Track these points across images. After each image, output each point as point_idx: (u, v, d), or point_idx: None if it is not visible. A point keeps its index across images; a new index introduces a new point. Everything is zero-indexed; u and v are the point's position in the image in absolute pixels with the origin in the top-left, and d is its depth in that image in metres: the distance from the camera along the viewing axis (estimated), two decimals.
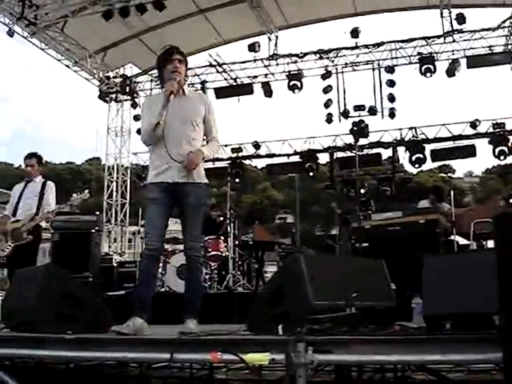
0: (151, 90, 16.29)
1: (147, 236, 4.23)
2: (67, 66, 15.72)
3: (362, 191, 12.61)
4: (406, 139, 14.62)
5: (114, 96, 17.22)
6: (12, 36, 13.23)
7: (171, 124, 4.21)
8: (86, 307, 4.19)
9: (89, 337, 3.49)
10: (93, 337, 3.54)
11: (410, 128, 14.65)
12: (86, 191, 6.76)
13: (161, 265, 9.34)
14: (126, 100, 17.18)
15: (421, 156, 14.10)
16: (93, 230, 10.02)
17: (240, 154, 16.01)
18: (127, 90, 16.54)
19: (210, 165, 16.31)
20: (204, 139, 4.47)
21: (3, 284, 17.07)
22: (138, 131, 13.66)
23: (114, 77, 16.89)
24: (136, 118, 15.89)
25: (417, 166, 14.39)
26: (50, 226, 9.34)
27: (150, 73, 16.36)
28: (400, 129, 14.79)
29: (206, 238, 9.41)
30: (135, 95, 16.73)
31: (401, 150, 14.61)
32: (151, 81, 16.51)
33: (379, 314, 3.56)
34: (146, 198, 4.41)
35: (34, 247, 6.66)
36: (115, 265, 11.70)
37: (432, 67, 13.81)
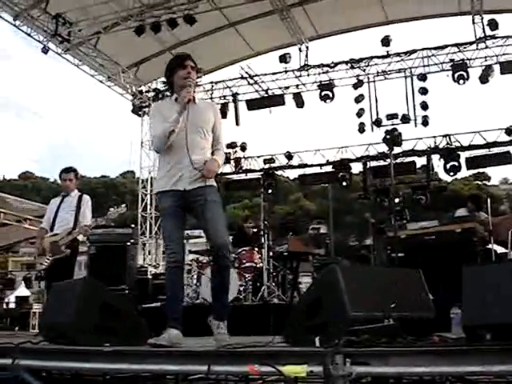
0: None
1: (167, 249, 4.19)
2: (101, 82, 15.97)
3: (397, 200, 12.47)
4: (441, 147, 14.44)
5: (146, 110, 17.40)
6: (46, 53, 13.49)
7: (183, 131, 4.17)
8: (124, 319, 4.23)
9: (127, 349, 3.52)
10: (131, 349, 3.56)
11: (444, 136, 14.48)
12: (123, 205, 6.82)
13: (195, 276, 9.41)
14: None
15: (456, 164, 13.92)
16: (128, 243, 10.12)
17: (272, 165, 16.01)
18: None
19: (242, 176, 16.42)
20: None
21: (40, 296, 17.35)
22: None
23: (147, 91, 17.08)
24: None
25: (452, 173, 14.20)
26: (86, 239, 9.46)
27: None
28: (434, 136, 14.62)
29: (240, 250, 9.45)
30: None
31: (435, 158, 14.42)
32: None
33: (417, 325, 3.52)
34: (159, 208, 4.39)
35: (72, 260, 6.75)
36: (150, 277, 11.79)
37: (465, 74, 13.65)
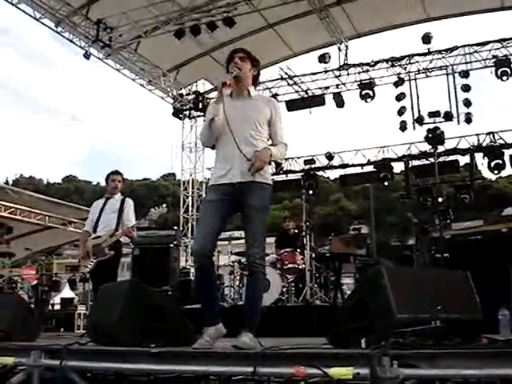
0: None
1: (194, 239, 4.12)
2: (142, 85, 16.18)
3: (440, 200, 12.28)
4: (484, 145, 14.20)
5: (187, 113, 17.55)
6: (88, 58, 13.75)
7: (232, 123, 4.06)
8: (170, 320, 4.25)
9: (171, 350, 3.54)
10: (176, 350, 3.58)
11: (488, 133, 14.23)
12: (164, 205, 6.86)
13: (238, 278, 9.44)
14: (199, 116, 17.43)
15: (500, 162, 13.66)
16: (171, 245, 10.22)
17: (313, 166, 15.97)
18: (200, 106, 16.79)
19: (283, 177, 16.42)
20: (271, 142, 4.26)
21: (85, 298, 17.62)
22: None
23: (187, 94, 17.22)
24: None
25: (496, 172, 13.94)
26: (129, 241, 9.58)
27: None
28: (477, 134, 14.39)
29: (282, 251, 9.45)
30: None
31: (479, 156, 14.18)
32: None
33: (465, 327, 3.46)
34: None
35: (115, 262, 6.81)
36: (192, 278, 11.86)
37: (508, 70, 13.42)
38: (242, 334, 3.83)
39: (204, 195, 17.77)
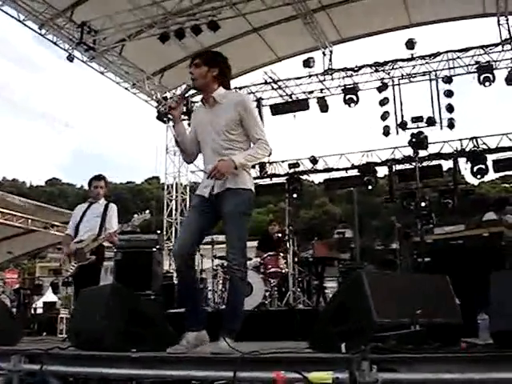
0: None
1: (176, 243, 4.13)
2: (126, 89, 16.12)
3: (423, 204, 12.36)
4: (467, 150, 14.30)
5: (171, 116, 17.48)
6: (72, 61, 13.68)
7: (205, 137, 4.13)
8: (152, 325, 4.24)
9: (153, 355, 3.54)
10: (157, 355, 3.58)
11: (471, 138, 14.34)
12: (147, 211, 6.84)
13: (221, 282, 9.44)
14: (183, 120, 17.32)
15: (483, 167, 13.76)
16: (154, 249, 10.16)
17: (297, 170, 15.99)
18: (184, 110, 16.77)
19: (267, 181, 16.42)
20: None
21: (67, 302, 17.52)
22: None
23: (172, 97, 17.15)
24: None
25: (479, 176, 14.04)
26: (112, 245, 9.54)
27: None
28: (460, 139, 14.49)
29: (265, 255, 9.45)
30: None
31: (462, 161, 14.26)
32: None
33: (444, 331, 3.48)
34: None
35: (98, 267, 6.78)
36: (175, 282, 11.83)
37: (491, 76, 13.52)
38: (220, 339, 3.82)
39: (188, 199, 17.75)
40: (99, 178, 7.16)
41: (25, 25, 12.96)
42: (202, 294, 4.51)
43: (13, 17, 12.60)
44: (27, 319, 13.42)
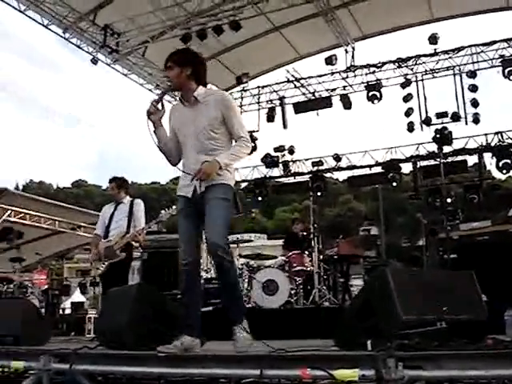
0: None
1: (180, 251, 4.10)
2: (150, 90, 16.20)
3: (449, 200, 12.28)
4: (493, 144, 14.13)
5: None
6: (96, 64, 13.78)
7: (187, 137, 4.12)
8: (177, 324, 4.28)
9: (180, 353, 3.58)
10: (185, 353, 3.62)
11: (496, 133, 14.15)
12: (174, 207, 6.87)
13: (246, 281, 9.46)
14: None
15: (509, 161, 13.55)
16: None
17: (321, 168, 15.93)
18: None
19: (291, 179, 16.42)
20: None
21: (95, 302, 17.71)
22: None
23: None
24: None
25: (505, 171, 13.84)
26: (139, 245, 9.62)
27: (228, 92, 16.64)
28: (485, 134, 14.31)
29: (290, 254, 9.46)
30: None
31: (487, 156, 14.10)
32: None
33: (470, 328, 3.47)
34: None
35: (127, 265, 6.87)
36: (202, 281, 11.87)
37: None
38: (235, 332, 3.85)
39: None
40: (111, 180, 7.29)
41: (49, 29, 13.10)
42: (202, 300, 4.47)
43: (37, 21, 12.74)
44: (55, 319, 13.60)
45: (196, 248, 4.14)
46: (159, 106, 4.18)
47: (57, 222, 16.30)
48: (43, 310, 12.30)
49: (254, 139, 15.54)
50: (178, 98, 4.36)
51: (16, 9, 12.16)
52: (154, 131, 4.15)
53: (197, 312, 4.12)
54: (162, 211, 6.83)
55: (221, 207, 3.98)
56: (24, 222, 15.00)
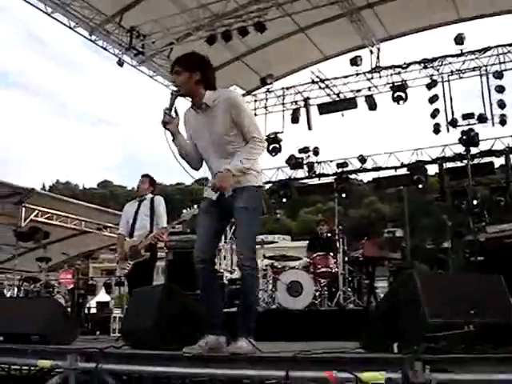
0: (255, 109, 16.50)
1: (195, 248, 4.06)
2: None
3: (475, 202, 12.14)
4: None
5: None
6: (122, 66, 13.90)
7: (204, 143, 4.07)
8: (202, 324, 4.30)
9: (206, 354, 3.60)
10: (210, 354, 3.63)
11: None
12: (195, 206, 6.89)
13: (271, 282, 9.47)
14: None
15: None
16: None
17: (346, 169, 15.87)
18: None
19: (316, 181, 16.38)
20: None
21: (120, 301, 17.83)
22: None
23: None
24: None
25: None
26: (163, 245, 9.67)
27: (253, 93, 16.68)
28: None
29: (315, 255, 9.45)
30: None
31: None
32: (255, 101, 16.76)
33: (498, 332, 3.43)
34: None
35: (152, 265, 6.93)
36: (226, 282, 11.90)
37: None
38: (239, 338, 3.78)
39: None
40: (143, 175, 7.43)
41: (75, 31, 13.25)
42: (222, 298, 4.42)
43: (64, 24, 12.90)
44: (81, 319, 13.73)
45: (210, 246, 4.11)
46: (173, 113, 4.11)
47: (83, 223, 16.47)
48: (69, 310, 12.42)
49: (278, 140, 15.57)
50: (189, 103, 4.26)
51: (42, 11, 12.33)
52: (173, 140, 4.09)
53: (219, 310, 4.11)
54: (184, 211, 6.89)
55: (249, 218, 3.95)
56: (51, 222, 15.19)
